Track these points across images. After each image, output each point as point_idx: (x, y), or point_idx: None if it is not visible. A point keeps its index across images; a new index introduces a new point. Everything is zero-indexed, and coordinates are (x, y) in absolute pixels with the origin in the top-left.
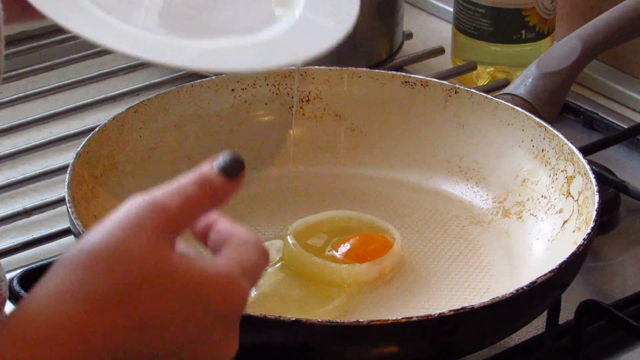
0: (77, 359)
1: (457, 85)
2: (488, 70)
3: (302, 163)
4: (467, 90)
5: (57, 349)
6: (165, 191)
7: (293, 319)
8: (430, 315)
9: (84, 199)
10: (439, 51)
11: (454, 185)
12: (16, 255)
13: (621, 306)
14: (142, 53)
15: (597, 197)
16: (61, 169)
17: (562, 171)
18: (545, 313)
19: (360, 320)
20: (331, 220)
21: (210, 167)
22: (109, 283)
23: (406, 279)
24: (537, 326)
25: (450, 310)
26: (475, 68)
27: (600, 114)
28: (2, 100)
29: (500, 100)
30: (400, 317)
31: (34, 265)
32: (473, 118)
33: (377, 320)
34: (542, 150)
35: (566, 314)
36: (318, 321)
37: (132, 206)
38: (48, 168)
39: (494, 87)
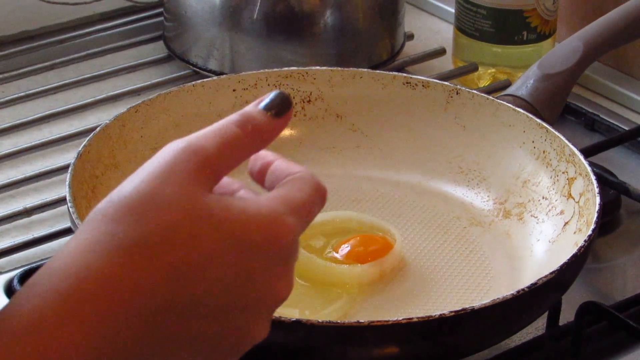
0: (106, 314)
1: (458, 87)
2: (489, 71)
3: (303, 163)
4: (469, 92)
5: (85, 304)
6: (201, 133)
7: (293, 319)
8: (431, 316)
9: (84, 198)
10: (440, 52)
11: (455, 186)
12: (16, 255)
13: (622, 308)
14: None
15: (598, 199)
16: (62, 169)
17: (563, 173)
18: (545, 314)
19: (360, 320)
20: (331, 220)
21: (254, 106)
22: (139, 232)
23: (407, 279)
24: (537, 327)
25: (451, 311)
26: (476, 69)
27: (601, 115)
28: (2, 100)
29: (501, 102)
30: (400, 318)
31: (34, 265)
32: (474, 119)
33: (378, 321)
34: (543, 152)
35: (567, 316)
36: (319, 321)
37: (165, 152)
38: (49, 168)
39: (495, 88)
